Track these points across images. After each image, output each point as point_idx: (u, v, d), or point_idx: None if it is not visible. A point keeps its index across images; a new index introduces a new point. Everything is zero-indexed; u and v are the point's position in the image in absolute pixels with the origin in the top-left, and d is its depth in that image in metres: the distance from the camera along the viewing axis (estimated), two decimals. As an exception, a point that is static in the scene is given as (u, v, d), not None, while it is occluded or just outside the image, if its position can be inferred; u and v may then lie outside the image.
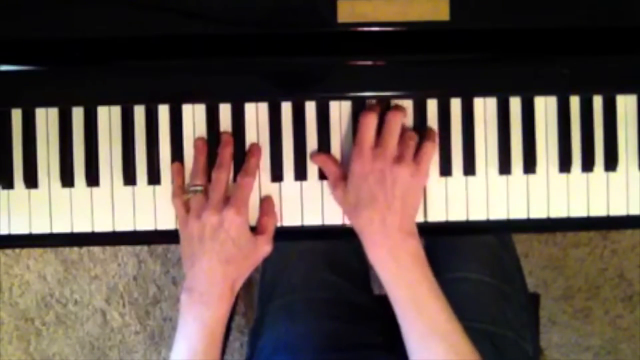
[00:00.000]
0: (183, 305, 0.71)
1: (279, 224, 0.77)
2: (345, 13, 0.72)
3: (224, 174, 0.74)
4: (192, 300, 0.71)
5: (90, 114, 0.77)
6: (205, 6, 0.72)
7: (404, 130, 0.72)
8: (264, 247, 0.75)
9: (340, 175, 0.73)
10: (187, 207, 0.74)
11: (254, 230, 0.76)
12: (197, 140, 0.76)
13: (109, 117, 0.77)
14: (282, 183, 0.77)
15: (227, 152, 0.75)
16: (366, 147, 0.71)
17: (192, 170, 0.76)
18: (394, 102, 0.75)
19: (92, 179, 0.77)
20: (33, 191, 0.77)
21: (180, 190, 0.75)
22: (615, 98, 0.78)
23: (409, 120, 0.77)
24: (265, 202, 0.77)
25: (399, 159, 0.71)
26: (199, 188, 0.73)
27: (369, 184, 0.70)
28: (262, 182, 0.77)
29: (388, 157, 0.70)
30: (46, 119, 0.77)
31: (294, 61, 0.74)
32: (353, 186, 0.71)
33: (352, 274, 1.02)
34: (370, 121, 0.71)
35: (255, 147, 0.76)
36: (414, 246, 0.71)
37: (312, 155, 0.76)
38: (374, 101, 0.74)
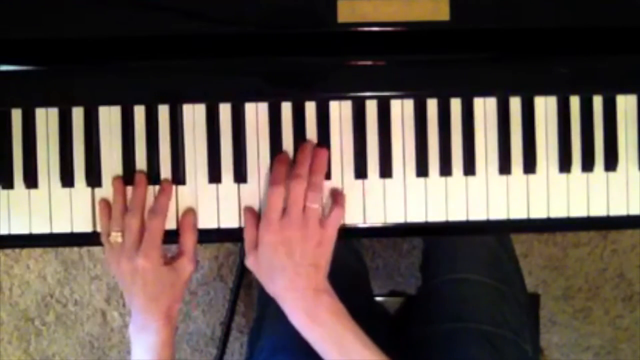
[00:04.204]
0: (131, 335, 0.75)
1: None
2: (345, 13, 0.72)
3: (134, 219, 0.73)
4: (136, 329, 0.75)
5: (90, 114, 0.77)
6: (205, 6, 0.72)
7: (307, 194, 0.72)
8: (187, 268, 0.76)
9: (255, 244, 0.74)
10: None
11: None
12: (114, 181, 0.76)
13: (109, 117, 0.77)
14: (282, 183, 0.77)
15: (138, 193, 0.75)
16: (274, 218, 0.72)
17: (112, 212, 0.75)
18: (294, 170, 0.73)
19: (92, 179, 0.77)
20: (33, 191, 0.77)
21: (106, 231, 0.75)
22: (615, 98, 0.78)
23: (410, 120, 0.77)
24: (184, 218, 0.76)
25: (305, 227, 0.72)
26: (118, 234, 0.74)
27: (279, 255, 0.71)
28: (262, 181, 0.77)
29: (294, 226, 0.71)
30: (46, 119, 0.77)
31: (294, 61, 0.75)
32: (264, 256, 0.72)
33: (352, 275, 1.02)
34: (275, 195, 0.72)
35: (167, 184, 0.76)
36: (329, 301, 0.72)
37: (244, 210, 0.76)
38: (282, 170, 0.74)
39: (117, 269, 0.75)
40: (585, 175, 0.78)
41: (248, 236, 0.75)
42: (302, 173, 0.73)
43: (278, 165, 0.75)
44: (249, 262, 0.74)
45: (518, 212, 0.78)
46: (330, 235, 0.74)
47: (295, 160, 0.75)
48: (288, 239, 0.71)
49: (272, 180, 0.73)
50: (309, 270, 0.72)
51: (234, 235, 0.78)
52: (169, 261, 0.75)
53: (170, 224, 0.76)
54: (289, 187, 0.72)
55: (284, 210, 0.72)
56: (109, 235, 0.75)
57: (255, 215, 0.76)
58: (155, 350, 0.74)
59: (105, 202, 0.76)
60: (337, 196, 0.76)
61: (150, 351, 0.74)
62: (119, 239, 0.74)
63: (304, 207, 0.72)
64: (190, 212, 0.77)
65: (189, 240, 0.76)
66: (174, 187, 0.76)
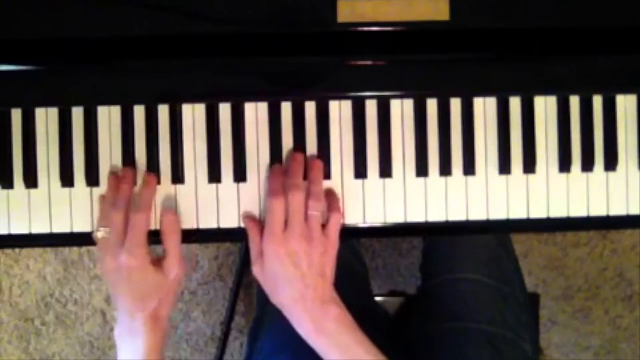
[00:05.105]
0: (117, 339, 0.74)
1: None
2: (345, 13, 0.72)
3: (117, 215, 0.72)
4: (123, 333, 0.73)
5: (90, 114, 0.77)
6: (205, 6, 0.72)
7: (309, 203, 0.72)
8: (173, 269, 0.74)
9: (260, 253, 0.73)
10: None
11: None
12: (109, 177, 0.76)
13: (109, 117, 0.77)
14: (282, 183, 0.77)
15: (124, 190, 0.74)
16: (277, 231, 0.71)
17: (103, 208, 0.75)
18: (290, 181, 0.73)
19: (92, 179, 0.77)
20: (33, 191, 0.77)
21: (97, 227, 0.74)
22: (615, 98, 0.78)
23: (410, 120, 0.77)
24: (165, 220, 0.74)
25: (310, 237, 0.71)
26: (106, 230, 0.72)
27: (286, 266, 0.71)
28: (262, 181, 0.77)
29: (299, 237, 0.71)
30: (46, 119, 0.77)
31: (294, 61, 0.75)
32: (271, 267, 0.72)
33: (352, 275, 1.02)
34: (277, 207, 0.71)
35: (150, 178, 0.75)
36: (337, 312, 0.72)
37: (243, 215, 0.76)
38: (279, 181, 0.73)
39: (103, 267, 0.73)
40: (585, 175, 0.78)
41: (253, 246, 0.74)
42: (298, 183, 0.73)
43: (274, 177, 0.75)
44: (255, 272, 0.74)
45: (518, 212, 0.78)
46: (334, 242, 0.74)
47: (288, 171, 0.75)
48: (294, 250, 0.71)
49: (271, 192, 0.73)
50: (317, 281, 0.71)
51: (234, 235, 0.78)
52: (156, 262, 0.74)
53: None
54: (288, 199, 0.72)
55: (286, 221, 0.72)
56: (98, 230, 0.74)
57: (258, 224, 0.75)
58: (143, 357, 0.72)
59: (104, 199, 0.76)
60: (331, 201, 0.76)
61: (137, 356, 0.72)
62: (107, 235, 0.72)
63: (306, 216, 0.72)
64: (169, 213, 0.75)
65: (172, 243, 0.74)
66: (173, 186, 0.76)
